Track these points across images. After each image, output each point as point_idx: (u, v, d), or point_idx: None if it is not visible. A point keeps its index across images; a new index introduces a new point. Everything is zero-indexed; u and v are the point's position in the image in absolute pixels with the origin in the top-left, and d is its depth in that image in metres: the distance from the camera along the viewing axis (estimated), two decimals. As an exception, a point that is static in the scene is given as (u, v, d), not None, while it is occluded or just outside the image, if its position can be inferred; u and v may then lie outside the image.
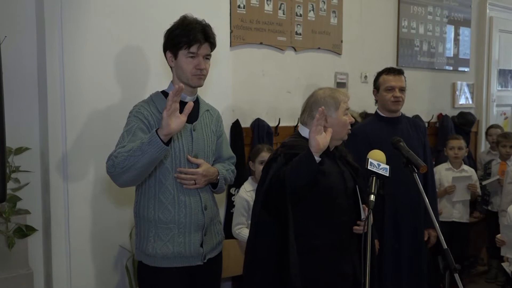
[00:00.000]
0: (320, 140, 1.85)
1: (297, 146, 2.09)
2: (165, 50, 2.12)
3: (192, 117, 2.09)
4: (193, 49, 2.03)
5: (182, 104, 2.02)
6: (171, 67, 2.13)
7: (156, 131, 1.82)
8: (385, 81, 2.94)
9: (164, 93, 2.13)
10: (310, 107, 2.19)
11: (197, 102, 2.18)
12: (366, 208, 2.01)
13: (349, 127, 2.19)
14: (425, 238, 3.03)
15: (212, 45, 2.10)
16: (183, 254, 2.05)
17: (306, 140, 2.15)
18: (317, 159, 1.85)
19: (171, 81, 2.15)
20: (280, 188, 1.93)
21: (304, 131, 2.20)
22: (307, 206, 2.06)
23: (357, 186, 2.14)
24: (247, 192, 3.02)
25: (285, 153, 2.06)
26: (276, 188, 1.95)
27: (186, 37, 2.02)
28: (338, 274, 2.11)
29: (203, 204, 2.10)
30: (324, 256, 2.08)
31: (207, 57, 2.09)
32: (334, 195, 2.09)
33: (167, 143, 1.82)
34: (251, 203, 2.76)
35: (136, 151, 1.82)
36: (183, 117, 1.84)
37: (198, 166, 2.09)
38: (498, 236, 3.38)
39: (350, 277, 2.14)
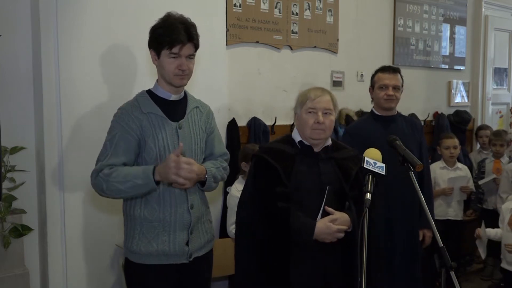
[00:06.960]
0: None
1: (270, 150, 2.13)
2: (149, 48, 2.09)
3: (178, 115, 2.09)
4: (175, 49, 2.00)
5: (168, 103, 2.07)
6: (156, 65, 2.10)
7: (154, 168, 1.92)
8: (380, 79, 2.93)
9: (150, 93, 2.11)
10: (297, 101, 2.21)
11: (185, 99, 2.16)
12: (329, 210, 2.03)
13: (314, 128, 2.09)
14: (420, 238, 3.01)
15: (196, 46, 2.07)
16: (167, 252, 2.05)
17: (290, 142, 2.17)
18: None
19: (156, 80, 2.12)
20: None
21: (294, 132, 2.20)
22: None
23: (327, 188, 2.07)
24: (239, 191, 2.99)
25: (256, 155, 2.13)
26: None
27: (169, 37, 1.98)
28: (300, 274, 2.04)
29: (189, 203, 2.09)
30: (296, 251, 2.04)
31: (191, 57, 2.06)
32: (301, 196, 2.06)
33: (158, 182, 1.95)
34: None
35: (130, 188, 1.93)
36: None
37: None
38: (478, 229, 3.42)
39: (317, 278, 2.06)
